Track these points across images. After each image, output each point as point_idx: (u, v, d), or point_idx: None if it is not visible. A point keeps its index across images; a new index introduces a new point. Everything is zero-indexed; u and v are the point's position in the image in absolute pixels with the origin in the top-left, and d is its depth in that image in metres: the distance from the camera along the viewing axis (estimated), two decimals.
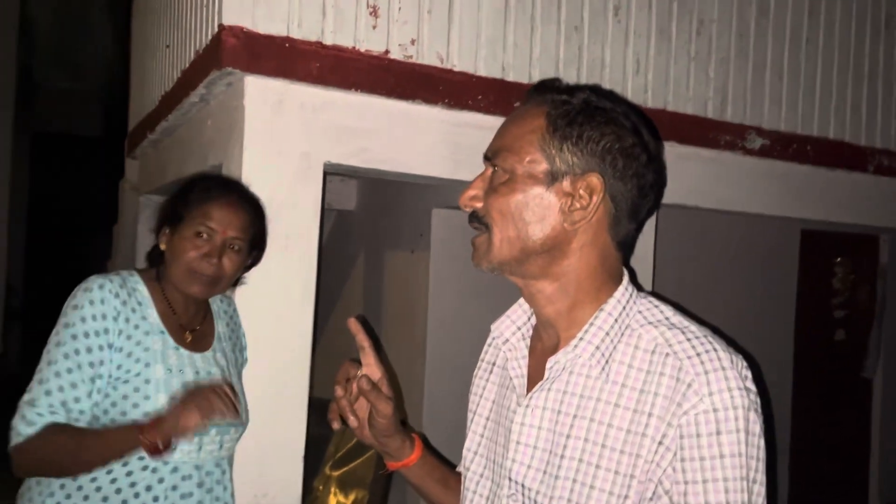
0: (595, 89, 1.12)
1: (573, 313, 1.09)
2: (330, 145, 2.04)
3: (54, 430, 1.53)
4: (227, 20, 1.87)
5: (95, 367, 1.57)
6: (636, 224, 1.11)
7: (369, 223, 3.80)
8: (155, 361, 1.62)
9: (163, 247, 1.70)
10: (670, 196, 2.57)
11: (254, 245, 1.78)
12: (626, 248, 1.12)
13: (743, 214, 2.86)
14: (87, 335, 1.57)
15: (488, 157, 1.11)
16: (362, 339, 1.22)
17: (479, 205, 1.09)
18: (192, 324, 1.73)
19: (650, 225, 2.53)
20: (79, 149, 7.67)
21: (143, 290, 1.67)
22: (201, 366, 1.70)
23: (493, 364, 1.23)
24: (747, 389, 1.00)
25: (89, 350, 1.57)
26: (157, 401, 1.59)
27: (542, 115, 1.07)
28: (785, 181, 2.79)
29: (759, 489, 1.00)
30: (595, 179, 1.05)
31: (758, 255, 3.55)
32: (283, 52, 1.93)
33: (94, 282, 1.61)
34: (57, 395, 1.55)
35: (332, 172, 2.16)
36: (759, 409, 1.02)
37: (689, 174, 2.60)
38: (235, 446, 1.79)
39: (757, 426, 0.99)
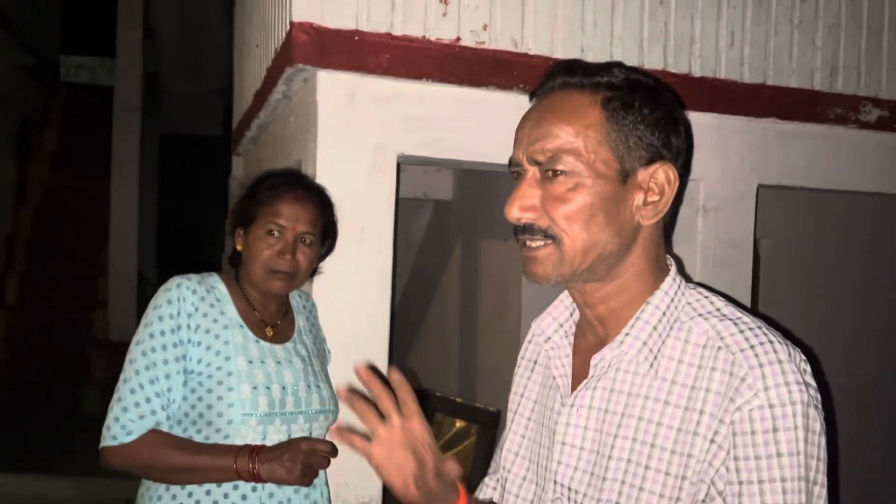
0: (620, 64, 1.01)
1: (625, 308, 1.03)
2: (403, 136, 2.03)
3: (156, 441, 1.60)
4: (297, 17, 1.90)
5: (170, 365, 1.62)
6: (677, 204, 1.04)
7: (465, 212, 3.79)
8: (236, 354, 1.66)
9: (239, 248, 1.75)
10: (773, 177, 2.40)
11: (326, 235, 1.80)
12: (667, 231, 1.05)
13: (859, 194, 2.63)
14: (162, 333, 1.63)
15: (538, 162, 0.98)
16: (377, 388, 1.01)
17: (534, 214, 0.98)
18: (272, 319, 1.77)
19: (748, 208, 2.36)
20: (202, 148, 8.11)
21: (221, 287, 1.73)
22: (282, 356, 1.74)
23: (535, 362, 1.18)
24: (806, 384, 0.92)
25: (164, 348, 1.63)
26: (241, 392, 1.63)
27: (595, 105, 0.96)
28: None
29: (820, 491, 0.91)
30: (668, 169, 0.97)
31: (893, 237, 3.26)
32: (352, 45, 1.94)
33: (173, 282, 1.68)
34: (140, 392, 1.61)
35: (411, 163, 2.16)
36: (820, 406, 0.92)
37: (794, 152, 2.42)
38: (325, 435, 1.82)
39: (817, 424, 0.91)
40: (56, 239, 7.00)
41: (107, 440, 1.60)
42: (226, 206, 4.64)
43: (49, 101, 7.95)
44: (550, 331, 1.12)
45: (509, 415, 1.19)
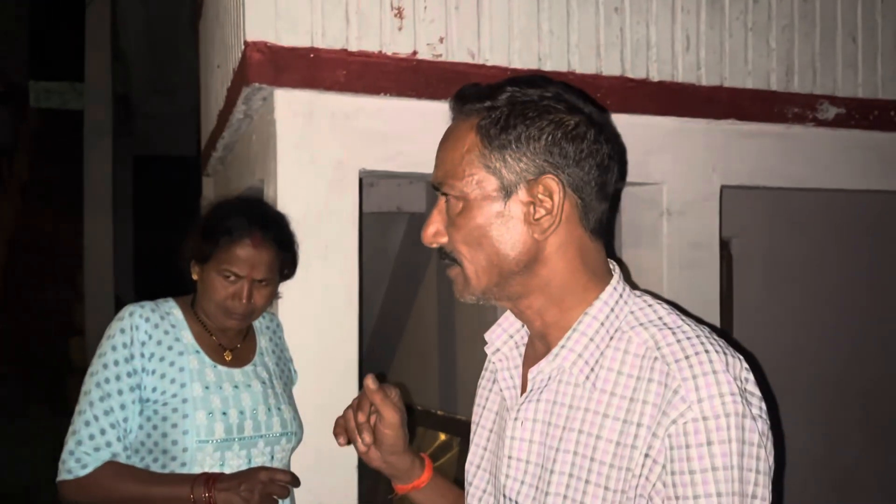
0: (518, 80, 1.02)
1: (562, 320, 1.02)
2: (364, 152, 2.03)
3: (111, 473, 1.58)
4: (251, 36, 1.90)
5: (125, 395, 1.61)
6: (607, 202, 1.03)
7: None
8: (192, 380, 1.65)
9: (195, 277, 1.73)
10: (734, 177, 2.42)
11: (283, 273, 1.79)
12: (601, 233, 1.04)
13: (822, 191, 2.66)
14: (116, 363, 1.61)
15: (437, 188, 1.03)
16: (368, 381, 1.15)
17: (443, 240, 1.03)
18: (231, 343, 1.76)
19: (713, 209, 2.38)
20: (176, 168, 8.06)
21: (177, 313, 1.71)
22: (241, 380, 1.72)
23: (495, 374, 1.18)
24: (744, 393, 0.90)
25: (118, 378, 1.61)
26: (196, 418, 1.61)
27: (472, 129, 0.99)
28: (867, 151, 2.56)
29: None
30: (549, 180, 0.97)
31: (863, 232, 3.30)
32: (308, 62, 1.94)
33: (126, 310, 1.66)
34: (95, 425, 1.59)
35: (374, 178, 2.15)
36: (763, 416, 0.92)
37: (754, 152, 2.44)
38: (290, 457, 1.81)
39: (755, 435, 0.89)
40: (30, 266, 6.92)
41: (62, 474, 1.58)
42: None
43: (19, 128, 7.88)
44: (500, 342, 1.11)
45: (472, 426, 1.19)
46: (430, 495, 1.22)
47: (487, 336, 1.13)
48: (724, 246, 2.92)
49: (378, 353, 4.34)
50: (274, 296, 1.79)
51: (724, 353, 0.93)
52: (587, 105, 1.02)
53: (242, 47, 1.96)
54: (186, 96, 7.94)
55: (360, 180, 2.06)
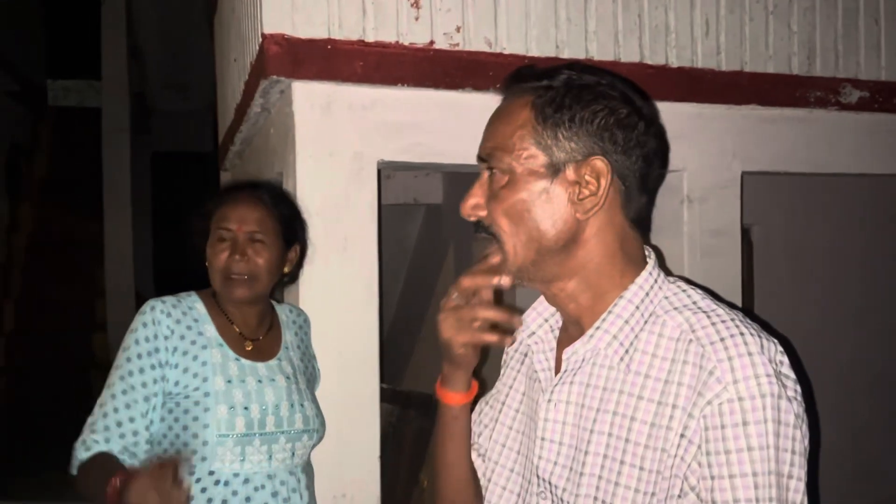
0: (575, 66, 1.04)
1: (598, 304, 1.02)
2: (382, 143, 2.03)
3: (97, 463, 1.56)
4: (269, 28, 1.90)
5: (149, 387, 1.61)
6: (647, 195, 1.03)
7: (456, 215, 3.76)
8: (214, 374, 1.65)
9: (207, 263, 1.74)
10: (755, 163, 2.40)
11: (287, 236, 1.77)
12: (641, 223, 1.04)
13: (845, 175, 2.62)
14: (139, 357, 1.62)
15: (483, 160, 1.04)
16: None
17: (482, 213, 1.03)
18: (253, 334, 1.76)
19: (733, 196, 2.36)
20: (193, 164, 8.11)
21: (199, 307, 1.71)
22: (264, 374, 1.71)
23: (525, 355, 1.18)
24: (779, 375, 0.91)
25: (142, 371, 1.62)
26: (218, 412, 1.61)
27: (527, 105, 1.01)
28: (891, 135, 2.53)
29: (797, 485, 0.90)
30: (599, 162, 0.99)
31: (886, 217, 3.25)
32: (325, 54, 1.93)
33: (148, 305, 1.67)
34: (112, 416, 1.60)
35: (392, 169, 2.15)
36: (798, 398, 0.92)
37: (776, 138, 2.41)
38: (310, 454, 1.80)
39: (790, 416, 0.90)
40: (51, 263, 6.99)
41: (73, 468, 1.59)
42: None
43: (38, 127, 7.96)
44: (535, 326, 1.12)
45: (497, 405, 1.19)
46: (462, 421, 1.19)
47: (522, 319, 1.13)
48: (745, 233, 2.90)
49: (397, 345, 4.35)
50: (279, 263, 1.76)
51: (759, 336, 0.93)
52: (638, 97, 1.03)
53: (260, 40, 1.96)
54: (202, 92, 7.98)
55: (378, 172, 2.05)
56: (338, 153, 1.99)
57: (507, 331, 1.12)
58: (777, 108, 2.39)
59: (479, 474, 1.19)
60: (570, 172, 0.99)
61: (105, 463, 1.56)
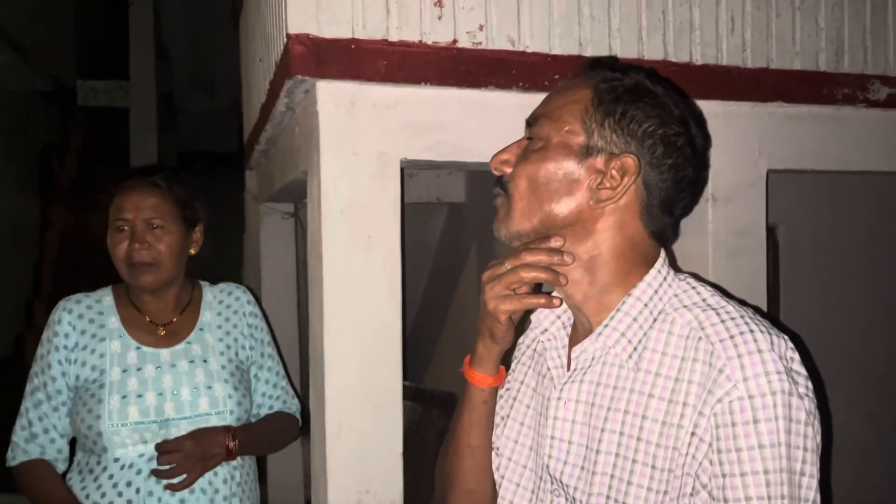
0: (652, 73, 1.05)
1: (602, 299, 1.03)
2: (405, 142, 2.04)
3: (29, 473, 1.67)
4: (294, 28, 1.91)
5: (49, 386, 1.68)
6: (671, 218, 1.03)
7: (479, 214, 3.79)
8: (111, 365, 1.68)
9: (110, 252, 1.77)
10: (781, 161, 2.37)
11: (185, 217, 1.77)
12: (663, 238, 1.04)
13: (873, 174, 2.58)
14: (42, 357, 1.70)
15: (529, 123, 1.08)
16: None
17: (508, 169, 1.06)
18: (165, 318, 1.77)
19: (759, 195, 2.33)
20: (218, 163, 8.19)
21: (107, 300, 1.76)
22: (166, 360, 1.73)
23: (535, 351, 1.19)
24: (790, 372, 0.90)
25: (43, 371, 1.69)
26: (111, 403, 1.64)
27: (590, 87, 1.03)
28: None
29: (809, 482, 0.89)
30: (630, 160, 1.00)
31: None
32: (349, 54, 1.95)
33: (58, 304, 1.72)
34: (25, 416, 1.69)
35: (416, 168, 2.16)
36: (809, 395, 0.91)
37: (802, 135, 2.38)
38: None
39: (801, 413, 0.90)
40: (81, 262, 7.09)
41: (7, 462, 1.70)
42: (243, 219, 4.68)
43: (68, 127, 8.08)
44: (547, 322, 1.13)
45: (508, 401, 1.19)
46: (489, 404, 1.17)
47: (534, 316, 1.14)
48: (771, 232, 2.87)
49: (420, 344, 4.37)
50: (181, 246, 1.76)
51: (769, 333, 0.93)
52: (696, 126, 1.03)
53: (285, 40, 1.98)
54: (227, 92, 8.07)
55: (402, 171, 2.06)
56: (361, 152, 2.00)
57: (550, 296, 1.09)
58: (804, 105, 2.36)
59: (493, 468, 1.20)
60: (599, 160, 1.00)
61: (36, 477, 1.66)
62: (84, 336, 1.69)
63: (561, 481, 1.03)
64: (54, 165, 7.67)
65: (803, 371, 0.94)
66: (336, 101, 1.98)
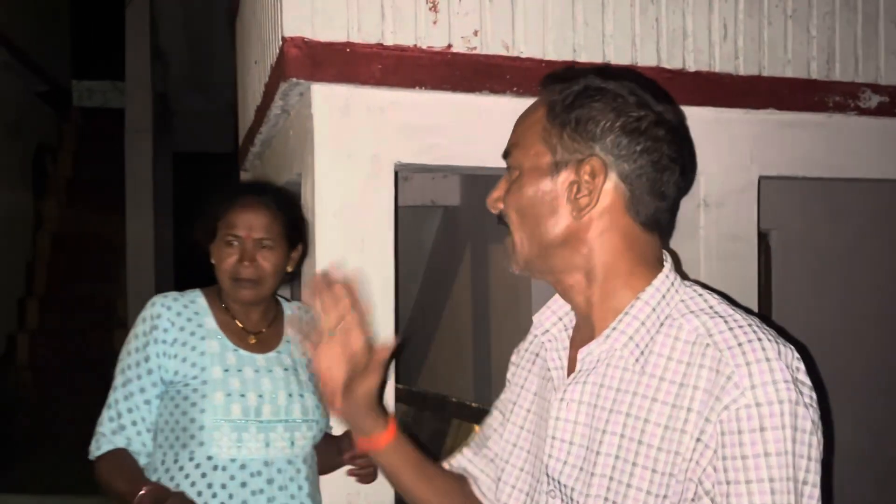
0: (603, 71, 1.06)
1: (608, 302, 1.03)
2: (399, 145, 2.05)
3: (114, 463, 1.67)
4: (289, 32, 1.92)
5: (143, 378, 1.69)
6: (664, 201, 1.03)
7: (473, 218, 3.80)
8: (212, 364, 1.71)
9: (213, 261, 1.79)
10: (773, 168, 2.39)
11: (290, 237, 1.81)
12: (657, 227, 1.04)
13: (864, 180, 2.61)
14: (137, 350, 1.70)
15: (504, 157, 1.09)
16: (330, 299, 1.10)
17: (501, 205, 1.08)
18: (255, 327, 1.80)
19: (751, 201, 2.35)
20: (214, 164, 8.19)
21: (201, 301, 1.77)
22: (262, 364, 1.76)
23: (536, 355, 1.19)
24: (797, 382, 0.91)
25: (138, 364, 1.69)
26: (214, 399, 1.67)
27: (543, 104, 1.04)
28: None
29: (812, 491, 0.90)
30: (595, 161, 1.00)
31: None
32: (344, 57, 1.96)
33: (150, 301, 1.74)
34: (114, 408, 1.70)
35: (409, 171, 2.18)
36: (814, 405, 0.92)
37: (794, 142, 2.40)
38: (311, 446, 1.82)
39: (808, 422, 0.90)
40: (74, 262, 7.09)
41: (91, 454, 1.70)
42: None
43: (63, 126, 8.08)
44: (549, 324, 1.13)
45: (508, 405, 1.20)
46: (394, 457, 1.18)
47: (536, 317, 1.14)
48: (763, 238, 2.88)
49: (413, 347, 4.37)
50: (283, 264, 1.80)
51: (776, 342, 0.93)
52: (662, 105, 1.04)
53: (280, 43, 1.99)
54: (223, 93, 8.06)
55: (396, 174, 2.08)
56: (356, 155, 2.01)
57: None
58: (795, 112, 2.38)
59: (491, 475, 1.20)
60: (570, 172, 1.01)
61: (122, 464, 1.67)
62: (183, 333, 1.72)
63: (559, 482, 1.03)
64: (49, 165, 7.66)
65: (808, 381, 0.94)
66: (330, 104, 1.99)
